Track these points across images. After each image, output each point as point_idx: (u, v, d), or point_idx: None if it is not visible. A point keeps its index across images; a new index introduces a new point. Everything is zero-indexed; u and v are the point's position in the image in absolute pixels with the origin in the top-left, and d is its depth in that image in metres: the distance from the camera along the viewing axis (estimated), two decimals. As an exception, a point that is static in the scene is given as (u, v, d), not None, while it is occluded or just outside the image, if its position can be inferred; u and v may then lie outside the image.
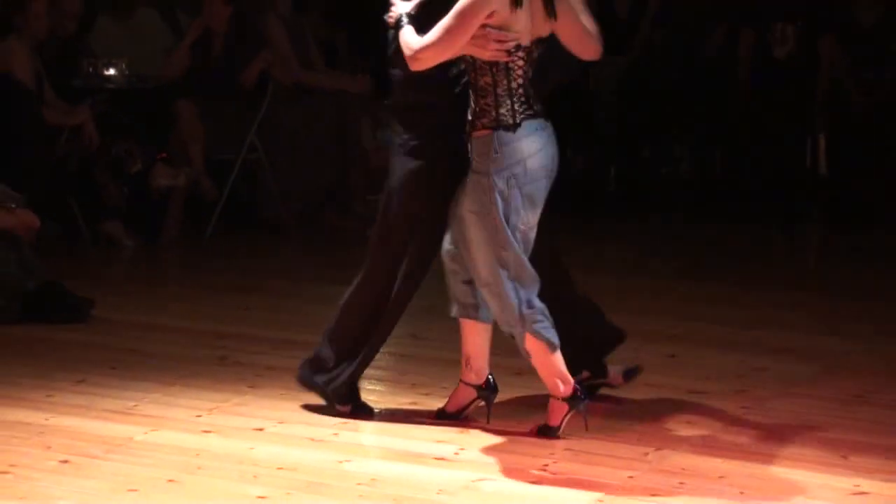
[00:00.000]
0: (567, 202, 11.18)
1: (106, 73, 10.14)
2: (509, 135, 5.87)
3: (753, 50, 11.15)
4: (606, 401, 6.48)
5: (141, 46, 10.64)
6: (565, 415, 5.93)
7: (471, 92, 5.95)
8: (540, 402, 6.13)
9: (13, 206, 8.02)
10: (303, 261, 9.85)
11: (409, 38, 5.85)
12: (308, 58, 10.79)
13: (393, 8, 5.98)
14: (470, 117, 5.94)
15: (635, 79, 11.39)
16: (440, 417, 6.24)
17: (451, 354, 7.22)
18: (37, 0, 9.64)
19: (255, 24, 10.55)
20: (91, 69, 10.15)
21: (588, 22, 6.07)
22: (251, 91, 10.36)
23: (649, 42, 11.57)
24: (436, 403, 6.45)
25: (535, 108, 5.95)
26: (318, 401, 6.51)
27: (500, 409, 6.29)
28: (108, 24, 10.63)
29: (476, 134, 5.91)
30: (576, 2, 6.03)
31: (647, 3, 11.63)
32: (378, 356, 7.49)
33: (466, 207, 5.95)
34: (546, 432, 5.97)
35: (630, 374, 6.52)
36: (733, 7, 11.46)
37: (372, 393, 6.78)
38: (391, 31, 6.00)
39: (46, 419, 6.22)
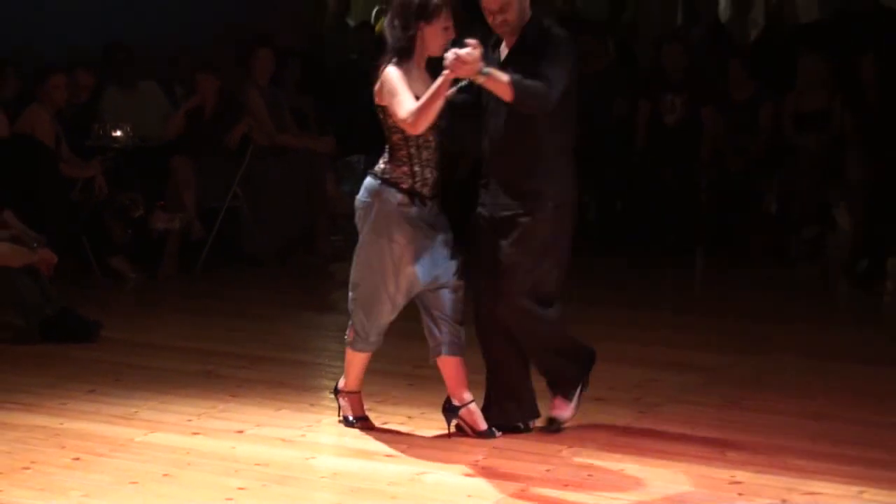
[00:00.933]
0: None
1: (114, 134, 10.09)
2: None
3: (649, 117, 11.18)
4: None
5: (143, 113, 10.60)
6: None
7: None
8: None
9: (35, 245, 7.96)
10: (277, 291, 9.79)
11: None
12: (282, 123, 10.76)
13: None
14: None
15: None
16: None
17: (397, 368, 7.23)
18: (55, 74, 9.60)
19: (238, 95, 10.52)
20: (101, 131, 10.10)
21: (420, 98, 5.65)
22: (235, 150, 10.33)
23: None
24: (387, 409, 6.43)
25: None
26: (289, 407, 6.48)
27: (439, 413, 6.27)
28: (116, 94, 10.58)
29: None
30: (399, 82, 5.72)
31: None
32: (336, 370, 7.48)
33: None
34: None
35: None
36: (632, 83, 11.50)
37: (334, 401, 6.74)
38: None
39: (61, 423, 6.16)
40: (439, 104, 5.62)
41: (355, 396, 6.22)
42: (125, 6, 11.21)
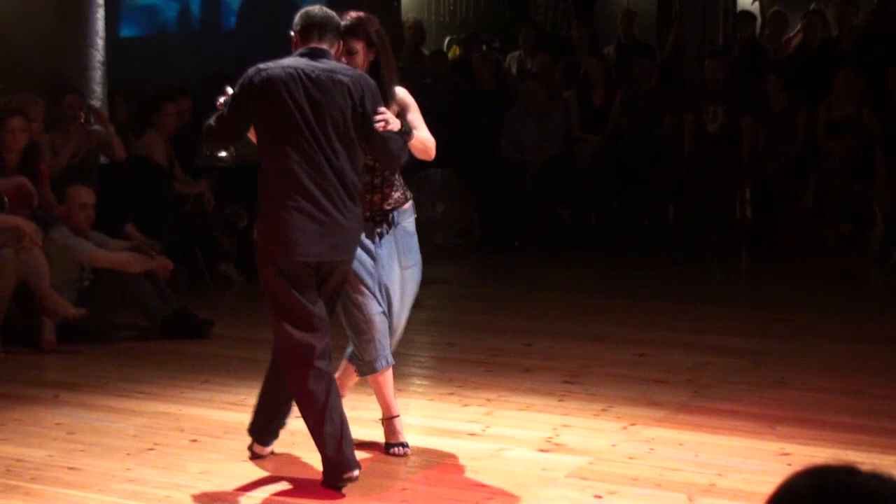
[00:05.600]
0: (558, 243, 11.22)
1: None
2: None
3: (693, 127, 11.09)
4: (590, 388, 6.43)
5: (244, 135, 10.64)
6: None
7: (388, 175, 5.41)
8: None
9: (154, 253, 8.02)
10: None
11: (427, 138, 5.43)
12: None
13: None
14: (399, 193, 5.46)
15: (608, 152, 11.34)
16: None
17: (477, 356, 7.21)
18: (167, 103, 9.67)
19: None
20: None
21: None
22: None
23: (617, 125, 11.53)
24: (468, 393, 6.40)
25: None
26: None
27: (515, 395, 6.23)
28: (220, 120, 10.63)
29: (407, 205, 5.48)
30: None
31: (615, 96, 11.59)
32: (423, 359, 7.47)
33: (410, 263, 5.48)
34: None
35: None
36: (677, 97, 11.41)
37: (420, 386, 6.74)
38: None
39: (180, 409, 6.20)
40: None
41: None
42: (223, 43, 11.26)
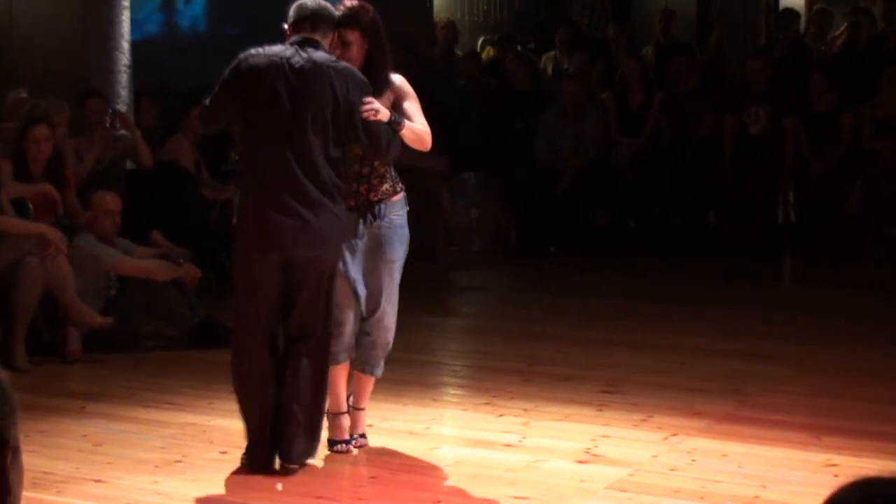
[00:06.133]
0: (597, 248, 11.18)
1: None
2: None
3: (734, 129, 11.03)
4: (629, 397, 6.40)
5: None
6: None
7: (377, 166, 5.45)
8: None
9: (182, 261, 8.04)
10: (401, 297, 9.79)
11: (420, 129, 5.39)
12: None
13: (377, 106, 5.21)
14: (388, 185, 5.51)
15: (646, 155, 11.29)
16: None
17: (513, 365, 7.18)
18: (195, 107, 9.68)
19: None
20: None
21: None
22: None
23: (656, 127, 11.48)
24: (504, 403, 6.37)
25: None
26: (413, 403, 6.45)
27: (553, 405, 6.21)
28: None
29: (396, 197, 5.55)
30: None
31: (653, 98, 11.54)
32: (457, 367, 7.45)
33: (394, 257, 5.55)
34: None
35: None
36: (718, 98, 11.36)
37: (455, 396, 6.72)
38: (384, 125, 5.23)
39: (209, 420, 6.20)
40: None
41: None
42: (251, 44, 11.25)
